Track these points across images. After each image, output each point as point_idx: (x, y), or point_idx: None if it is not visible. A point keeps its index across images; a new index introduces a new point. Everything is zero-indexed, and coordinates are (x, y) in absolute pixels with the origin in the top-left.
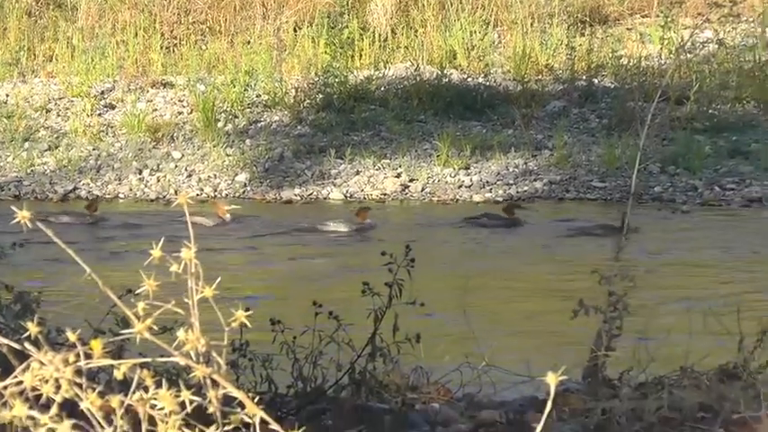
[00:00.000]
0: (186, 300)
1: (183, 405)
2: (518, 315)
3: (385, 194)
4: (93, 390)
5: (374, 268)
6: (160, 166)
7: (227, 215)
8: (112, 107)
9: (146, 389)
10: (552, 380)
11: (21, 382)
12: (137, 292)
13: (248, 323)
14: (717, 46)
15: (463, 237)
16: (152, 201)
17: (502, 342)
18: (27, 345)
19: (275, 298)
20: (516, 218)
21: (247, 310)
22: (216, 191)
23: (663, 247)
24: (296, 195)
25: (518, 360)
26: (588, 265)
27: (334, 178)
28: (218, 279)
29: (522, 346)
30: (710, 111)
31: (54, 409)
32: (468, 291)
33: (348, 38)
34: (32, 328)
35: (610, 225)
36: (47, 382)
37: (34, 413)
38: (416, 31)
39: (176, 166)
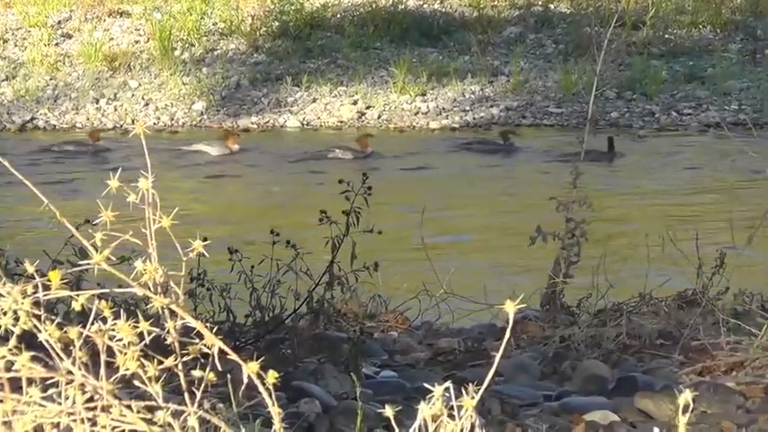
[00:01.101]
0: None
1: (141, 336)
2: (478, 243)
3: (342, 122)
4: (52, 321)
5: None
6: (117, 96)
7: (236, 146)
8: (69, 37)
9: (104, 320)
10: (510, 308)
11: None
12: (94, 222)
13: (206, 253)
14: None
15: (467, 162)
16: (110, 129)
17: (462, 269)
18: None
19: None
20: (511, 143)
21: (205, 239)
22: (173, 119)
23: (621, 173)
24: (253, 123)
25: (476, 288)
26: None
27: (291, 106)
28: (176, 209)
29: (482, 274)
30: (667, 36)
31: (13, 341)
32: (430, 220)
33: None
34: None
35: (597, 150)
36: (5, 313)
37: None
38: None
39: (133, 95)
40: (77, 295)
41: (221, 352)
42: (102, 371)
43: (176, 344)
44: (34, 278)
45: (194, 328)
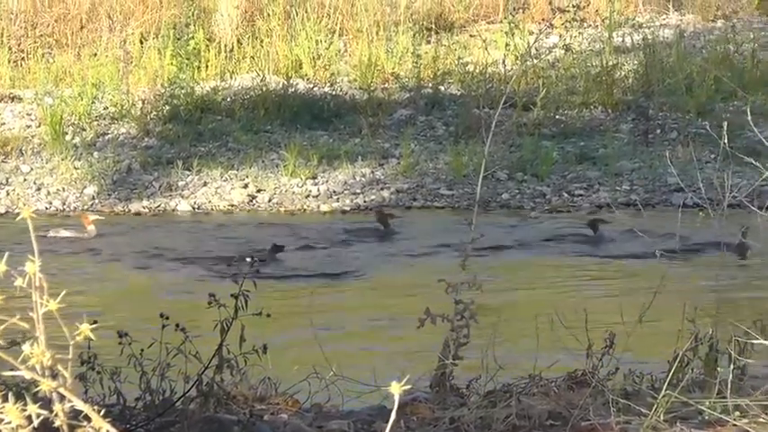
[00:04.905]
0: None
1: (29, 419)
2: (368, 325)
3: (232, 205)
4: None
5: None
6: (9, 180)
7: (92, 226)
8: None
9: None
10: (396, 390)
11: None
12: None
13: (93, 336)
14: (563, 51)
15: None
16: (1, 215)
17: (351, 352)
18: None
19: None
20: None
21: (94, 322)
22: (65, 204)
23: (510, 253)
24: (144, 208)
25: (367, 370)
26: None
27: (182, 190)
28: (63, 293)
29: (372, 356)
30: (557, 116)
31: None
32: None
33: (194, 49)
34: None
35: (585, 234)
36: None
37: None
38: (262, 41)
39: (25, 180)
40: None
41: None
42: None
43: (65, 426)
44: None
45: (84, 411)
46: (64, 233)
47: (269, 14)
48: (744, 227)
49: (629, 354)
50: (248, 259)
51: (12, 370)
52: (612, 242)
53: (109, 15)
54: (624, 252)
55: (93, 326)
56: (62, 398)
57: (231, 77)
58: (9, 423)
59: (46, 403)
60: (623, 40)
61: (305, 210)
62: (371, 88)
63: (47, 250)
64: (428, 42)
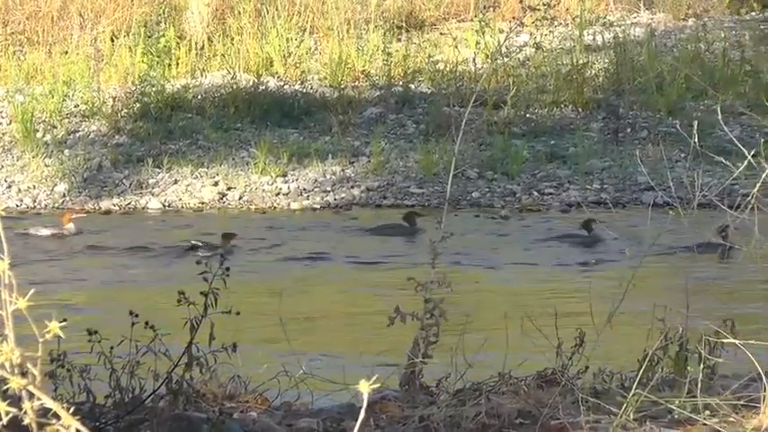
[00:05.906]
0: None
1: None
2: (338, 322)
3: (203, 203)
4: None
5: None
6: None
7: (70, 225)
8: None
9: None
10: (365, 388)
11: None
12: None
13: (62, 334)
14: (534, 49)
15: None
16: None
17: (321, 350)
18: None
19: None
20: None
21: (64, 320)
22: (35, 201)
23: (479, 253)
24: (114, 205)
25: (336, 368)
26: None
27: (152, 187)
28: (32, 291)
29: (342, 354)
30: (528, 115)
31: None
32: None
33: (165, 46)
34: None
35: (579, 234)
36: None
37: None
38: (233, 38)
39: None
40: None
41: None
42: None
43: (34, 424)
44: None
45: (53, 409)
46: (44, 231)
47: (240, 12)
48: (720, 226)
49: (599, 352)
50: (195, 247)
51: None
52: (605, 242)
53: (80, 13)
54: (596, 251)
55: (63, 324)
56: (31, 396)
57: (202, 75)
58: None
59: (15, 401)
60: (594, 39)
61: (275, 207)
62: (342, 86)
63: (24, 248)
64: (399, 40)
